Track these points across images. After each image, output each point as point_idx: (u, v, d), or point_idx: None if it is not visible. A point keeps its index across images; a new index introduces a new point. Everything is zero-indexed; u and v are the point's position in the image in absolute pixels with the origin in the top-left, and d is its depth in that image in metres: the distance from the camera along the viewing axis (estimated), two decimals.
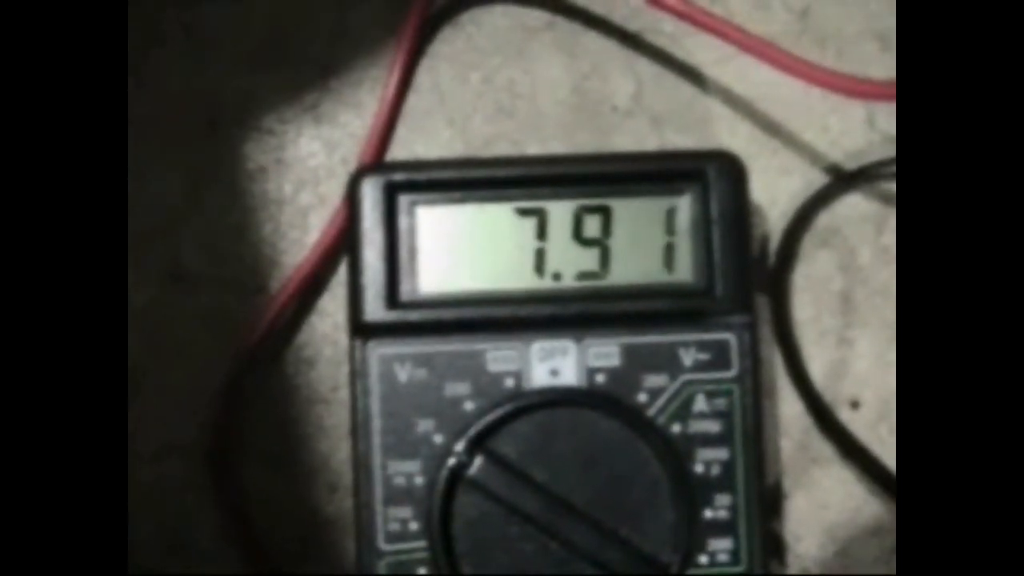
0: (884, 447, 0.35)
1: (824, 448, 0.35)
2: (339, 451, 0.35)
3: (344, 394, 0.34)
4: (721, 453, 0.31)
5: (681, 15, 0.33)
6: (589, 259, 0.32)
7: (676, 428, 0.31)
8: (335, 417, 0.35)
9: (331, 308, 0.35)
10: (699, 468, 0.31)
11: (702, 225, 0.32)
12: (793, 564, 0.35)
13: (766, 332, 0.35)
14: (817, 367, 0.35)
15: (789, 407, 0.35)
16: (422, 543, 0.31)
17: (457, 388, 0.31)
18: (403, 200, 0.32)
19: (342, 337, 0.34)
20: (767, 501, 0.32)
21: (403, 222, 0.32)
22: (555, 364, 0.31)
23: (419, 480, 0.31)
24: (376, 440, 0.31)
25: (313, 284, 0.35)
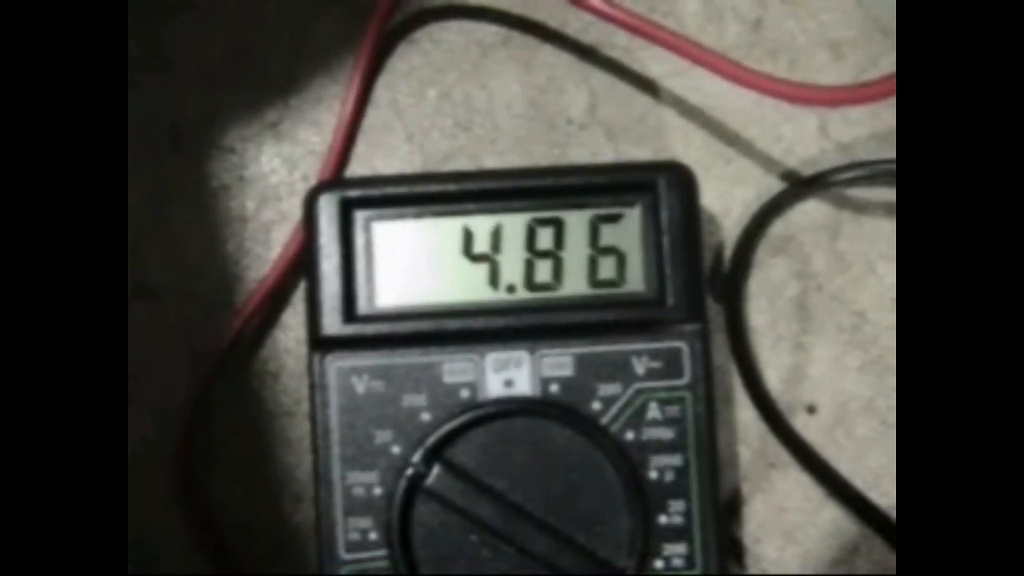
0: (841, 451, 0.36)
1: (781, 453, 0.36)
2: (304, 462, 0.35)
3: (308, 406, 0.34)
4: (675, 460, 0.32)
5: (633, 29, 0.34)
6: (542, 271, 0.33)
7: (630, 436, 0.32)
8: (299, 429, 0.36)
9: (294, 322, 0.36)
10: (653, 475, 0.32)
11: (653, 235, 0.32)
12: (752, 567, 0.36)
13: (722, 339, 0.36)
14: (773, 373, 0.36)
15: (746, 413, 0.36)
16: (382, 552, 0.32)
17: (414, 399, 0.32)
18: (359, 216, 0.32)
19: (305, 350, 0.34)
20: (722, 506, 0.33)
21: (359, 237, 0.32)
22: (510, 374, 0.32)
23: (378, 490, 0.32)
24: (335, 451, 0.32)
25: (276, 299, 0.36)
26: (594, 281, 0.33)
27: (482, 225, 0.32)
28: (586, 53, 0.37)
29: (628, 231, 0.32)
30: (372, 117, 0.36)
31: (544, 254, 0.33)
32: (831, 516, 0.36)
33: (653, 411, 0.32)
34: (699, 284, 0.32)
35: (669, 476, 0.32)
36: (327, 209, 0.32)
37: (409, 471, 0.31)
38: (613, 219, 0.33)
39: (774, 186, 0.36)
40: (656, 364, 0.32)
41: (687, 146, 0.36)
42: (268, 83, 0.37)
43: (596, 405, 0.32)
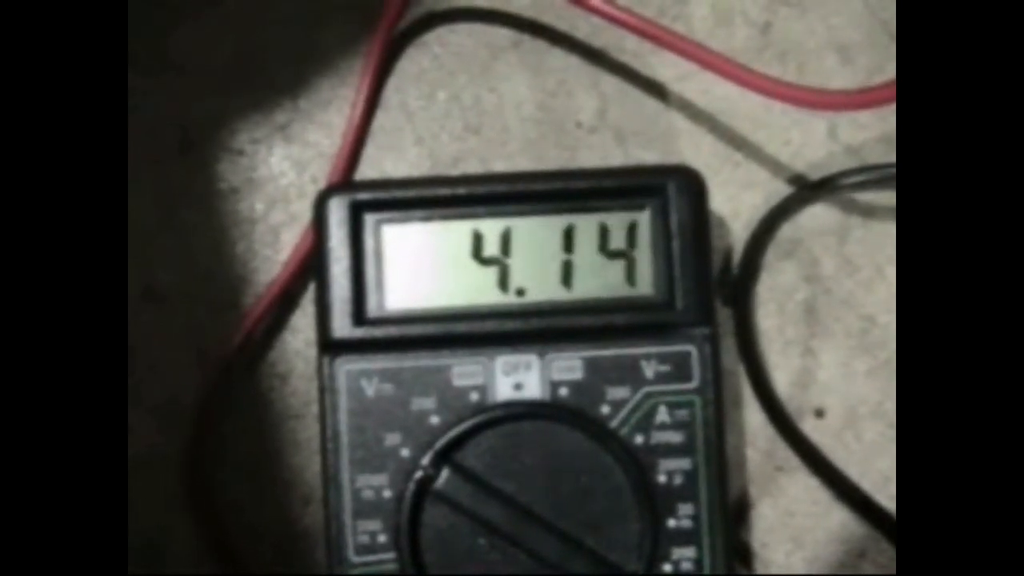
0: (850, 455, 0.36)
1: (790, 456, 0.36)
2: (312, 464, 0.35)
3: (317, 409, 0.34)
4: (683, 463, 0.32)
5: (642, 33, 0.34)
6: (552, 274, 0.33)
7: (639, 439, 0.32)
8: (308, 431, 0.36)
9: (303, 324, 0.36)
10: (662, 478, 0.32)
11: (663, 239, 0.32)
12: (760, 570, 0.36)
13: (731, 343, 0.36)
14: (782, 377, 0.36)
15: (754, 416, 0.36)
16: (391, 555, 0.32)
17: (423, 403, 0.32)
18: (369, 218, 0.32)
19: (314, 353, 0.35)
20: (730, 510, 0.33)
21: (369, 240, 0.32)
22: (519, 378, 0.32)
23: (387, 493, 0.32)
24: (345, 454, 0.32)
25: (285, 301, 0.36)
26: (603, 285, 0.33)
27: (491, 228, 0.32)
28: (596, 57, 0.37)
29: (638, 234, 0.32)
30: (381, 119, 0.36)
31: (554, 257, 0.32)
32: (839, 520, 0.36)
33: (662, 415, 0.32)
34: (708, 288, 0.32)
35: (678, 480, 0.32)
36: (337, 212, 0.32)
37: (418, 474, 0.32)
38: (623, 222, 0.33)
39: (783, 190, 0.36)
40: (665, 368, 0.32)
41: (696, 150, 0.36)
42: (277, 85, 0.37)
43: (605, 408, 0.32)
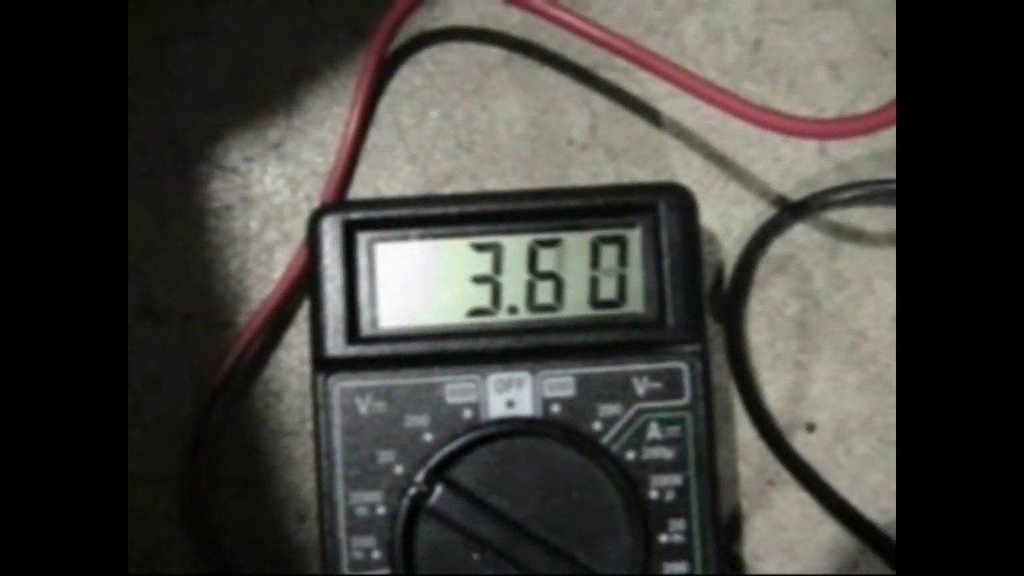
0: (840, 469, 0.36)
1: (780, 471, 0.36)
2: (307, 481, 0.36)
3: (311, 426, 0.34)
4: (675, 479, 0.32)
5: (632, 58, 0.34)
6: (544, 292, 0.33)
7: (630, 455, 0.32)
8: (303, 448, 0.36)
9: (297, 342, 0.36)
10: (653, 494, 0.32)
11: (654, 257, 0.33)
12: None
13: (722, 358, 0.36)
14: (773, 391, 0.36)
15: (746, 431, 0.36)
16: (385, 571, 0.32)
17: (416, 420, 0.32)
18: (362, 237, 0.33)
19: (308, 370, 0.35)
20: (722, 524, 0.33)
21: (362, 259, 0.33)
22: (511, 395, 0.32)
23: (381, 510, 0.32)
24: (339, 471, 0.32)
25: (279, 319, 0.36)
26: (595, 302, 0.33)
27: (484, 246, 0.33)
28: (587, 74, 0.37)
29: (629, 252, 0.33)
30: (375, 138, 0.37)
31: (545, 275, 0.33)
32: (830, 533, 0.36)
33: (653, 431, 0.32)
34: (699, 305, 0.33)
35: (669, 495, 0.32)
36: (330, 231, 0.32)
37: (412, 491, 0.32)
38: (614, 240, 0.33)
39: (773, 206, 0.37)
40: (656, 384, 0.32)
41: (687, 166, 0.37)
42: (271, 103, 0.37)
43: (597, 425, 0.32)
